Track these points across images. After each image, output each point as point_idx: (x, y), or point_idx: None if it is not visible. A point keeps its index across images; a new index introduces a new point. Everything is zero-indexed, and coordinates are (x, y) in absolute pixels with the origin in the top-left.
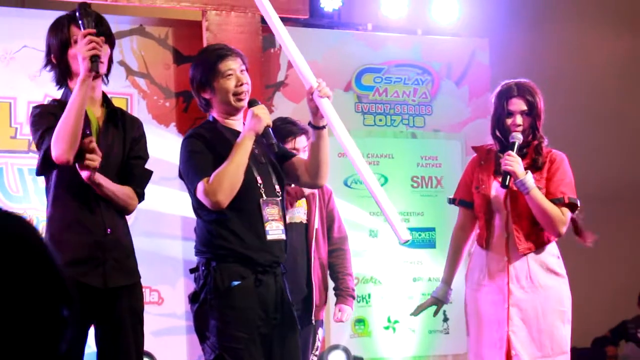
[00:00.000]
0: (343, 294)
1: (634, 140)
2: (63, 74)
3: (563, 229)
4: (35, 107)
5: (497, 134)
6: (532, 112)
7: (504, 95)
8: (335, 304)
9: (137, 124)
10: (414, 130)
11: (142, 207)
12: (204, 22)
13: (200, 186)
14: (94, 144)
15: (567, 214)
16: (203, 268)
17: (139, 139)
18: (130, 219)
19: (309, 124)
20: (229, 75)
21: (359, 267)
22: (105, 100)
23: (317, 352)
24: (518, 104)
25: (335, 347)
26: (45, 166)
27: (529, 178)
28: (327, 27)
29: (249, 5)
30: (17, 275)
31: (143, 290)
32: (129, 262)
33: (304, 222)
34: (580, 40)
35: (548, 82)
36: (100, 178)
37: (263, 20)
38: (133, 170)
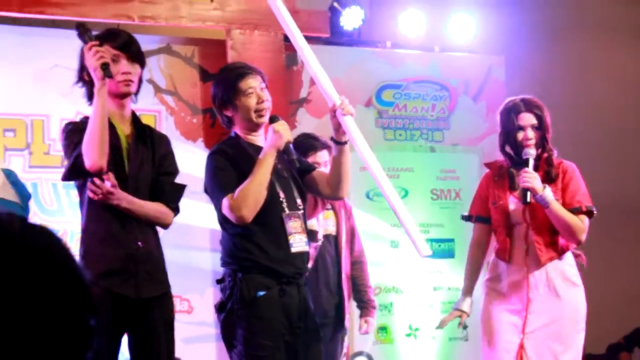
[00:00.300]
0: (367, 306)
1: None
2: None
3: (583, 237)
4: (67, 124)
5: (507, 149)
6: (541, 126)
7: (513, 111)
8: (360, 317)
9: (165, 141)
10: (433, 144)
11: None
12: (228, 40)
13: (225, 202)
14: (107, 184)
15: (586, 221)
16: (229, 279)
17: (167, 155)
18: (160, 231)
19: (331, 139)
20: (250, 93)
21: (381, 277)
22: (134, 119)
23: (343, 359)
24: (528, 119)
25: (359, 353)
26: (73, 172)
27: (547, 192)
28: (347, 45)
29: (272, 24)
30: (44, 287)
31: (173, 299)
32: (160, 273)
33: (334, 234)
34: (597, 56)
35: (564, 98)
36: (123, 202)
37: (286, 39)
38: (164, 186)
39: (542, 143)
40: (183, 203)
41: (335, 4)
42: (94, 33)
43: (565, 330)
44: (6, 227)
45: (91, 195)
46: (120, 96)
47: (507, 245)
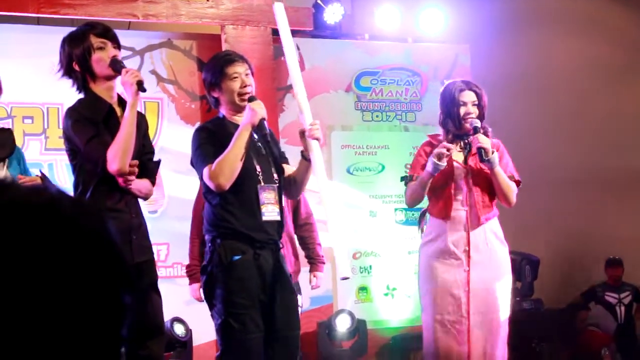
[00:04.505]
0: (315, 262)
1: (593, 132)
2: (85, 79)
3: (515, 199)
4: (69, 110)
5: (448, 124)
6: (480, 103)
7: (456, 89)
8: (310, 271)
9: (144, 119)
10: (406, 124)
11: (173, 195)
12: (222, 35)
13: (205, 171)
14: (135, 168)
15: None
16: (210, 245)
17: (146, 133)
18: (162, 205)
19: (301, 153)
20: (235, 77)
21: (361, 243)
22: (121, 101)
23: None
24: (469, 96)
25: (342, 311)
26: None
27: (495, 156)
28: (330, 38)
29: (262, 20)
30: (90, 267)
31: (174, 266)
32: (147, 241)
33: None
34: (552, 45)
35: (521, 81)
36: (134, 185)
37: (274, 32)
38: (147, 165)
39: (480, 119)
40: (182, 179)
41: (319, 1)
42: (78, 27)
43: (500, 285)
44: (56, 207)
45: (121, 182)
46: (111, 78)
47: (449, 203)
